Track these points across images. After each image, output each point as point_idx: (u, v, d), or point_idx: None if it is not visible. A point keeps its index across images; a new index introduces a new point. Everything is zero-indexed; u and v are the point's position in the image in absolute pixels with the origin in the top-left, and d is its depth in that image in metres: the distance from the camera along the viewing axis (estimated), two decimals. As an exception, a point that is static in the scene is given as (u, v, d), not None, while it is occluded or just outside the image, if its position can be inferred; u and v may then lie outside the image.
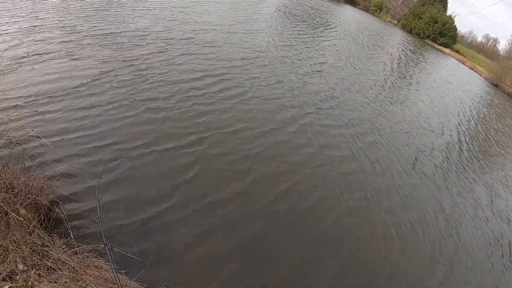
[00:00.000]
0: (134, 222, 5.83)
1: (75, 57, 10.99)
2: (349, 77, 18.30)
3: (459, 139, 16.23)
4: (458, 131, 17.33)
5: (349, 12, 58.51)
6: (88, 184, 6.01)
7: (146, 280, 4.90)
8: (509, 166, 16.16)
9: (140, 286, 4.66)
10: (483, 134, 19.24)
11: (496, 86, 42.77)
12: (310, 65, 17.92)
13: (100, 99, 9.04)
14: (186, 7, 21.31)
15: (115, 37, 13.40)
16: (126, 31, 14.36)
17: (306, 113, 12.13)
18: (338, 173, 9.32)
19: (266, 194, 7.56)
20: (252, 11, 27.34)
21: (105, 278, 4.12)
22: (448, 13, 63.05)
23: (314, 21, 32.91)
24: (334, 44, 25.49)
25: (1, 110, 7.64)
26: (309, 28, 28.20)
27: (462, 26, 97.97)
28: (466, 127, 18.73)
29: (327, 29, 31.17)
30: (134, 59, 11.88)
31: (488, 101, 30.87)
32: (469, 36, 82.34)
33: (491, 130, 20.79)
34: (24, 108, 7.91)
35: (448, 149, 14.20)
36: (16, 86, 8.67)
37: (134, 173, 6.92)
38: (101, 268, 4.35)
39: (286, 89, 13.43)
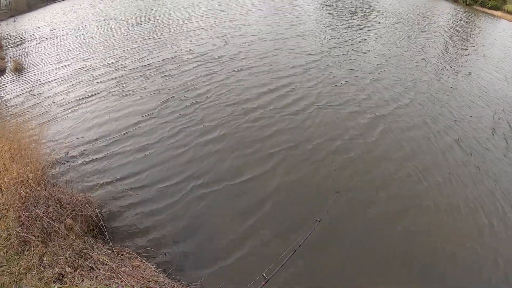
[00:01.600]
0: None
1: (126, 93, 11.46)
2: (412, 65, 17.21)
3: None
4: None
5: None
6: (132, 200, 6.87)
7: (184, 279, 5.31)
8: None
9: (177, 284, 5.03)
10: None
11: None
12: (371, 59, 16.98)
13: (158, 135, 9.42)
14: (230, 21, 21.11)
15: (163, 65, 13.72)
16: (173, 57, 14.60)
17: (383, 115, 11.49)
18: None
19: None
20: (298, 12, 26.62)
21: (141, 276, 4.54)
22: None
23: (360, 9, 31.70)
24: (387, 31, 24.02)
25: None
26: (359, 18, 27.10)
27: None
28: None
29: (376, 15, 29.85)
30: (186, 87, 12.02)
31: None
32: (522, -8, 75.70)
33: None
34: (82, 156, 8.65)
35: None
36: (71, 132, 9.58)
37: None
38: (139, 268, 4.79)
39: (354, 91, 12.73)
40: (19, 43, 21.28)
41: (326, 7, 29.14)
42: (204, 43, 15.90)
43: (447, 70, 17.56)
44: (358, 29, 22.16)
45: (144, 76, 12.61)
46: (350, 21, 24.44)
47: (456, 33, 28.81)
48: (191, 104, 10.85)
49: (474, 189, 8.57)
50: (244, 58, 14.45)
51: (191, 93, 11.49)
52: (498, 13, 52.32)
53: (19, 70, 15.66)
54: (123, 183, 7.60)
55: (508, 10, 53.75)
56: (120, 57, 14.44)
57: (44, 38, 20.68)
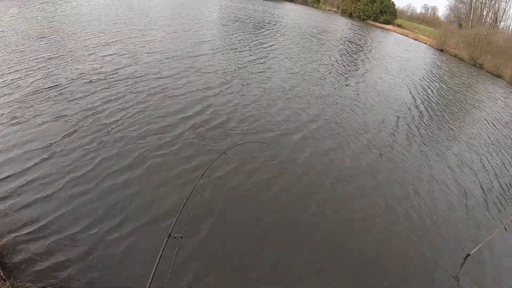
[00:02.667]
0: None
1: (20, 121, 8.73)
2: (320, 78, 17.15)
3: (423, 104, 16.43)
4: (419, 98, 17.34)
5: (291, 8, 59.17)
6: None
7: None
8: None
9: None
10: (441, 96, 19.22)
11: (441, 50, 43.46)
12: (283, 77, 16.16)
13: (56, 171, 7.09)
14: (138, 37, 17.78)
15: (67, 86, 10.70)
16: (77, 78, 11.34)
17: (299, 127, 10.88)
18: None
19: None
20: (206, 28, 24.43)
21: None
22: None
23: (267, 25, 31.65)
24: (295, 47, 23.91)
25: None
26: (267, 35, 26.50)
27: (400, 1, 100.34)
28: (425, 94, 18.69)
29: (283, 31, 30.08)
30: (92, 113, 9.20)
31: (437, 65, 31.18)
32: (408, 9, 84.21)
33: (449, 92, 20.72)
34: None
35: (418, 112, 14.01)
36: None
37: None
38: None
39: (272, 113, 11.71)
40: None
41: (234, 22, 28.62)
42: (112, 61, 13.29)
43: (351, 79, 18.29)
44: (268, 46, 21.62)
45: (43, 99, 9.88)
46: (259, 38, 23.96)
47: (355, 45, 30.76)
48: (98, 136, 8.50)
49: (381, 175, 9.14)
50: (157, 79, 12.33)
51: (98, 122, 9.01)
52: (389, 26, 57.12)
53: None
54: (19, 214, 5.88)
55: (398, 24, 58.87)
56: (14, 77, 11.33)
57: None
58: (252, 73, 14.84)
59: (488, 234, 7.58)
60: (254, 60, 17.24)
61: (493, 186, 10.52)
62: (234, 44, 19.83)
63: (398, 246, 6.91)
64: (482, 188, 10.16)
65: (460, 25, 51.78)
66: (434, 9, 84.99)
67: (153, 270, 3.01)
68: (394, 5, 61.68)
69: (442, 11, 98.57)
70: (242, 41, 21.24)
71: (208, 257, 5.60)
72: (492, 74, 35.34)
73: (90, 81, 11.24)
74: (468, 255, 7.11)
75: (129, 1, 29.06)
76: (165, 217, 6.09)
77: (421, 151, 11.46)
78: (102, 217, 6.02)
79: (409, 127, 13.24)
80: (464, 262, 7.00)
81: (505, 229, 8.15)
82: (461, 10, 55.80)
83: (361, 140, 10.96)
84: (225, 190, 7.24)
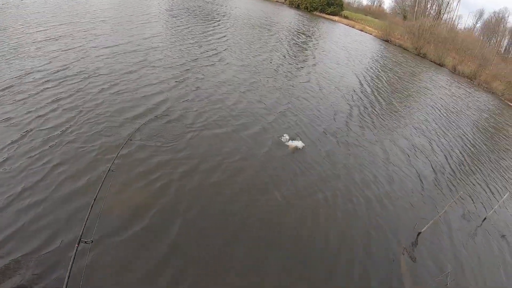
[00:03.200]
0: None
1: None
2: (271, 68, 16.97)
3: (373, 92, 16.80)
4: (368, 86, 17.78)
5: (238, 1, 58.56)
6: None
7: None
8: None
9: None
10: (390, 84, 19.83)
11: (387, 41, 45.14)
12: (235, 69, 15.71)
13: None
14: (83, 31, 15.44)
15: (10, 86, 9.77)
16: (21, 76, 9.98)
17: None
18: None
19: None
20: (155, 21, 23.03)
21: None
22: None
23: (216, 17, 30.52)
24: (245, 37, 23.53)
25: None
26: (217, 26, 25.34)
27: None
28: (374, 83, 19.21)
29: (233, 22, 29.25)
30: (39, 116, 8.07)
31: (383, 54, 32.20)
32: (354, 1, 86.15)
33: (396, 80, 21.43)
34: None
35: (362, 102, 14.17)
36: None
37: None
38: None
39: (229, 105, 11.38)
40: None
41: (184, 14, 27.57)
42: (60, 57, 12.14)
43: (302, 70, 18.43)
44: (219, 38, 20.95)
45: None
46: (210, 29, 23.25)
47: (304, 36, 31.12)
48: (44, 140, 7.63)
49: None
50: (108, 74, 11.39)
51: (46, 125, 8.09)
52: (336, 18, 58.34)
53: None
54: None
55: (345, 16, 60.27)
56: None
57: None
58: (204, 66, 14.34)
59: (439, 213, 8.11)
60: (206, 51, 16.66)
61: (443, 168, 11.30)
62: (185, 36, 19.12)
63: (361, 228, 7.17)
64: (433, 170, 10.87)
65: (404, 17, 54.07)
66: (380, 1, 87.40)
67: (66, 279, 3.00)
68: (341, -3, 62.97)
69: (387, 3, 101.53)
70: (192, 33, 20.52)
71: (120, 261, 5.26)
72: (435, 63, 37.28)
73: (37, 79, 10.34)
74: (419, 233, 7.55)
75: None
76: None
77: (375, 137, 11.88)
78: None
79: (362, 115, 13.67)
80: (416, 240, 7.37)
81: (453, 205, 8.73)
82: (406, 3, 58.15)
83: (317, 129, 11.04)
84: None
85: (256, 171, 7.96)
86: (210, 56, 16.17)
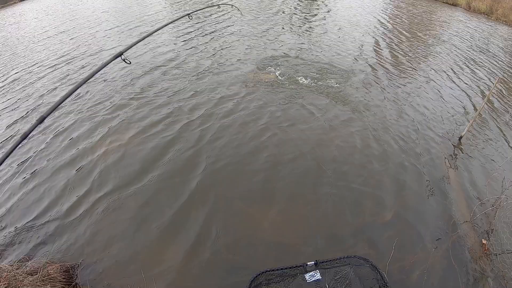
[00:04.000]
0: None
1: None
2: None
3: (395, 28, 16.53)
4: (383, 23, 17.83)
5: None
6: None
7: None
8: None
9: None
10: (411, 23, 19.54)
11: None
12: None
13: None
14: None
15: None
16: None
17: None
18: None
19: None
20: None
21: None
22: None
23: None
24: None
25: None
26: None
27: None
28: (390, 20, 19.18)
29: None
30: None
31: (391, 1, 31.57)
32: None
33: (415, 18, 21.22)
34: None
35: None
36: None
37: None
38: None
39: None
40: None
41: None
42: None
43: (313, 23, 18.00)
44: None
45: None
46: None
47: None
48: None
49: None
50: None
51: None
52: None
53: None
54: None
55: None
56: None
57: None
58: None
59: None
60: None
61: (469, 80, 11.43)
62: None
63: (399, 142, 7.33)
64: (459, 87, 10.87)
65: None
66: None
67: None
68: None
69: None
70: None
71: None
72: (447, 3, 36.30)
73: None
74: (461, 137, 7.64)
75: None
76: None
77: (408, 64, 12.12)
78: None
79: (391, 47, 13.97)
80: (460, 143, 7.52)
81: (487, 104, 9.03)
82: None
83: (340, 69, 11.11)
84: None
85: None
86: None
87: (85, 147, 6.98)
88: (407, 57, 12.98)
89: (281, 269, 3.59)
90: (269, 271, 3.57)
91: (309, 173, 6.13)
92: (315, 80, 10.00)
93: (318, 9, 21.27)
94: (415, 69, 11.88)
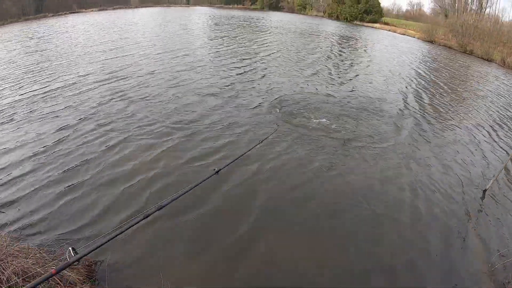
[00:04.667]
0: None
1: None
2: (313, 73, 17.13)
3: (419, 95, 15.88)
4: (414, 89, 17.15)
5: (280, 15, 61.03)
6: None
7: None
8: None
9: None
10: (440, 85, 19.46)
11: (431, 41, 44.69)
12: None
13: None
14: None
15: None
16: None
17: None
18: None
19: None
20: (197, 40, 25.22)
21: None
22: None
23: (263, 29, 33.03)
24: (290, 51, 23.29)
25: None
26: (259, 42, 27.43)
27: (385, 1, 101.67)
28: (419, 83, 18.59)
29: (276, 35, 30.42)
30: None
31: (429, 53, 32.22)
32: (394, 7, 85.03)
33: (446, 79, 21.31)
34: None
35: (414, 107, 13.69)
36: None
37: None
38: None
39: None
40: None
41: (230, 30, 29.62)
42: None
43: (352, 67, 19.32)
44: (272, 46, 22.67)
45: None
46: (264, 38, 25.26)
47: (349, 40, 31.78)
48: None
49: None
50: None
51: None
52: (377, 25, 58.49)
53: None
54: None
55: (385, 22, 60.43)
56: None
57: None
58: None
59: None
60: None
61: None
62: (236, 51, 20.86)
63: (423, 194, 7.33)
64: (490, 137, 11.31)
65: (446, 16, 53.18)
66: (419, 4, 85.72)
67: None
68: (379, 4, 63.08)
69: (427, 6, 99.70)
70: (246, 45, 22.23)
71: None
72: (483, 58, 36.61)
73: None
74: (485, 189, 7.66)
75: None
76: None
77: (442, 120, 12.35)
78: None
79: (432, 102, 14.44)
80: (483, 197, 7.53)
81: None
82: (446, 1, 57.28)
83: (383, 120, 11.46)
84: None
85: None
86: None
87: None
88: (447, 111, 13.50)
89: None
90: None
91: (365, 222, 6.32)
92: (362, 129, 10.34)
93: (361, 57, 22.14)
94: (455, 123, 12.24)
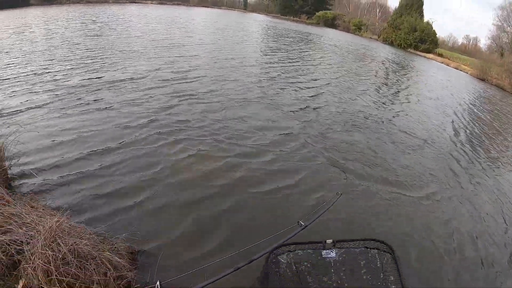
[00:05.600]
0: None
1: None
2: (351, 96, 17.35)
3: (466, 133, 15.84)
4: (463, 127, 17.07)
5: (335, 34, 62.21)
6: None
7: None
8: None
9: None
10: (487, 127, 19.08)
11: (483, 80, 44.48)
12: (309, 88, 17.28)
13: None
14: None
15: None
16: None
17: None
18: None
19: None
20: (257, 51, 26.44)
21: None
22: (425, 19, 65.63)
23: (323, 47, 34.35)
24: (342, 74, 22.95)
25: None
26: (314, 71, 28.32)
27: (442, 31, 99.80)
28: (468, 124, 18.19)
29: (328, 56, 30.76)
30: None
31: (481, 94, 32.15)
32: (449, 39, 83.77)
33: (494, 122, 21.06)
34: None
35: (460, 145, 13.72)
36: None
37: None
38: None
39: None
40: None
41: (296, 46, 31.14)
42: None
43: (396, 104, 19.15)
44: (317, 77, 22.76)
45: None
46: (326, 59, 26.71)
47: (399, 68, 32.94)
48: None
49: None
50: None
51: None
52: (430, 55, 58.51)
53: None
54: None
55: (439, 53, 60.21)
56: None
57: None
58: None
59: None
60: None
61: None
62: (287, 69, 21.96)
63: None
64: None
65: (502, 55, 52.42)
66: (476, 39, 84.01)
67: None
68: (435, 34, 63.01)
69: (483, 42, 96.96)
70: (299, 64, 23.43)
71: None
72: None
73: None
74: None
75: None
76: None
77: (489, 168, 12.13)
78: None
79: (484, 143, 14.83)
80: None
81: None
82: (503, 40, 56.43)
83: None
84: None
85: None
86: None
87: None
88: (501, 154, 13.94)
89: (301, 243, 3.65)
90: (290, 244, 3.63)
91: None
92: (414, 167, 10.24)
93: (414, 89, 23.14)
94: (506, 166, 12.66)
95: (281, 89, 15.61)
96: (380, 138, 12.09)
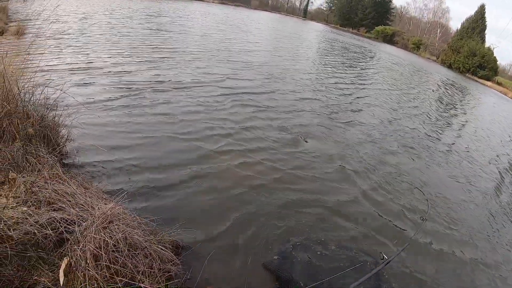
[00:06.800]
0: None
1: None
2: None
3: None
4: None
5: (392, 51, 60.52)
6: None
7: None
8: None
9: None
10: None
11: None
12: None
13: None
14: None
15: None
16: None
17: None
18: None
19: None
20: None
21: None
22: (487, 45, 63.13)
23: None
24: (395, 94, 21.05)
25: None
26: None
27: (503, 59, 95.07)
28: None
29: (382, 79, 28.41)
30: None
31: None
32: (510, 68, 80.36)
33: None
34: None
35: None
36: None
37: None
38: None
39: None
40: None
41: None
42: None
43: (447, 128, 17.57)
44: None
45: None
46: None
47: (456, 93, 31.58)
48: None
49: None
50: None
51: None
52: (488, 83, 56.14)
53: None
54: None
55: (498, 82, 57.48)
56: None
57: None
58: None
59: None
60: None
61: None
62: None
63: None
64: None
65: None
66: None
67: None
68: (496, 61, 60.58)
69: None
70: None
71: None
72: None
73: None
74: None
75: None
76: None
77: None
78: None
79: None
80: None
81: None
82: None
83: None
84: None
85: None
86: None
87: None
88: None
89: None
90: None
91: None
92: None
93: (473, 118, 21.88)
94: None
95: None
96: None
